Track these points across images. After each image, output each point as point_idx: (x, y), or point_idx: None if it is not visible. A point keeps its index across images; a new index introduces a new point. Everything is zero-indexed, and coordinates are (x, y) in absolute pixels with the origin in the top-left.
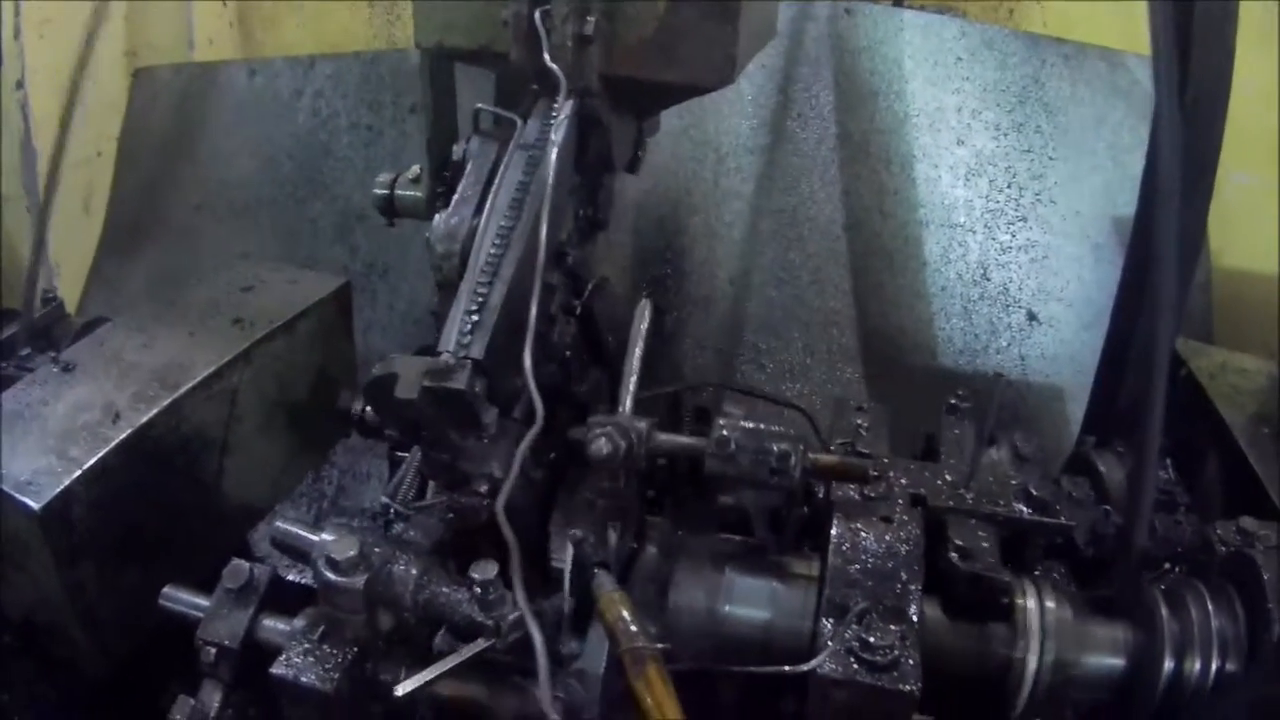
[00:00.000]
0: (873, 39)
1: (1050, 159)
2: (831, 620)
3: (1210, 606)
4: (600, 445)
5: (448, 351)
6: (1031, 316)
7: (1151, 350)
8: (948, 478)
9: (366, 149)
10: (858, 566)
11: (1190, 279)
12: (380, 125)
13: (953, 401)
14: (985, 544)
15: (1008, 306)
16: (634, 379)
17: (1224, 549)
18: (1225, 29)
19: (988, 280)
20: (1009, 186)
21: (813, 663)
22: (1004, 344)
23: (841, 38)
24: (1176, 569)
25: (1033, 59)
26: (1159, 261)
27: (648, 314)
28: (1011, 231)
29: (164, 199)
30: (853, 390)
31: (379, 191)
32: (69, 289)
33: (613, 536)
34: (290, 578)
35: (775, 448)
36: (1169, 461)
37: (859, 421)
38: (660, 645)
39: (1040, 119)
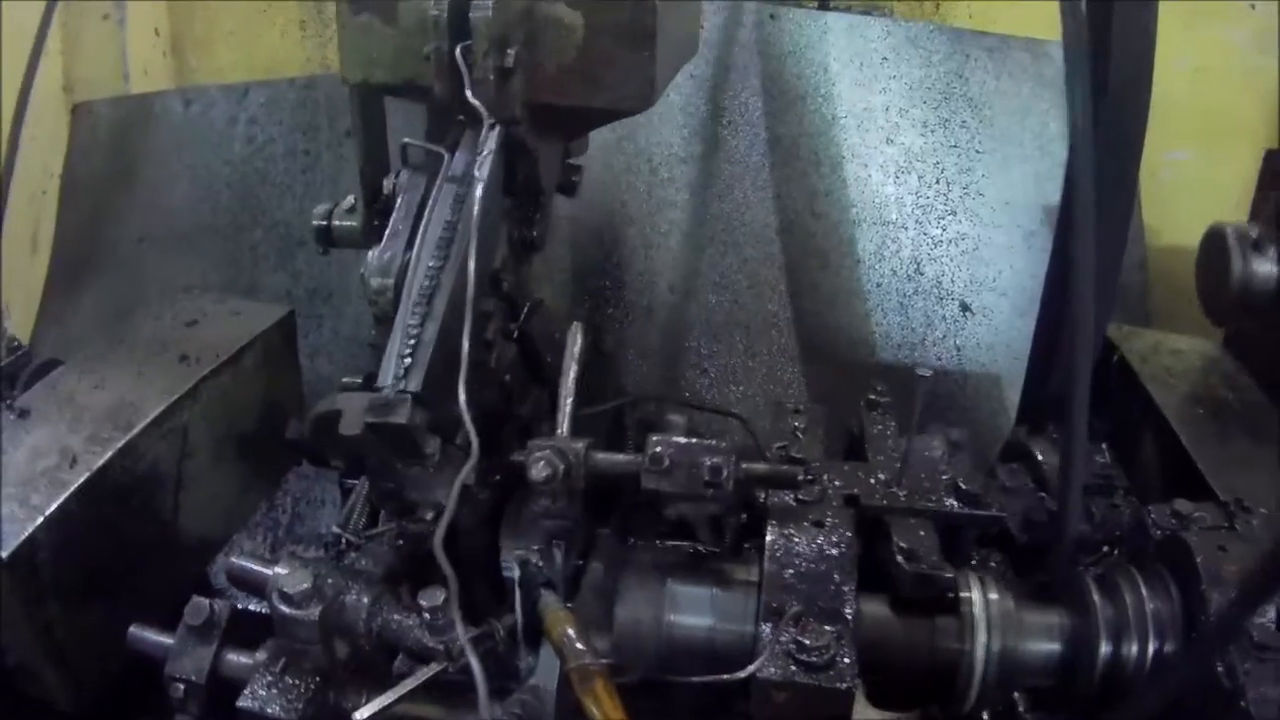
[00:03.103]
0: (798, 43)
1: (977, 152)
2: (769, 624)
3: (1144, 590)
4: (540, 468)
5: (386, 385)
6: (965, 307)
7: (1073, 339)
8: (880, 476)
9: (304, 174)
10: (792, 571)
11: (1118, 264)
12: (316, 150)
13: (871, 397)
14: (927, 543)
15: (942, 299)
16: (570, 400)
17: (1159, 532)
18: (1145, 10)
19: (921, 274)
20: (938, 182)
21: (750, 669)
22: (940, 335)
23: (768, 43)
24: (1116, 552)
25: (957, 54)
26: (1078, 247)
27: (579, 337)
28: (942, 226)
29: (108, 233)
30: (794, 390)
31: (316, 223)
32: (19, 327)
33: (558, 555)
34: (251, 607)
35: (708, 461)
36: (1105, 445)
37: (795, 424)
38: (605, 660)
39: (966, 114)
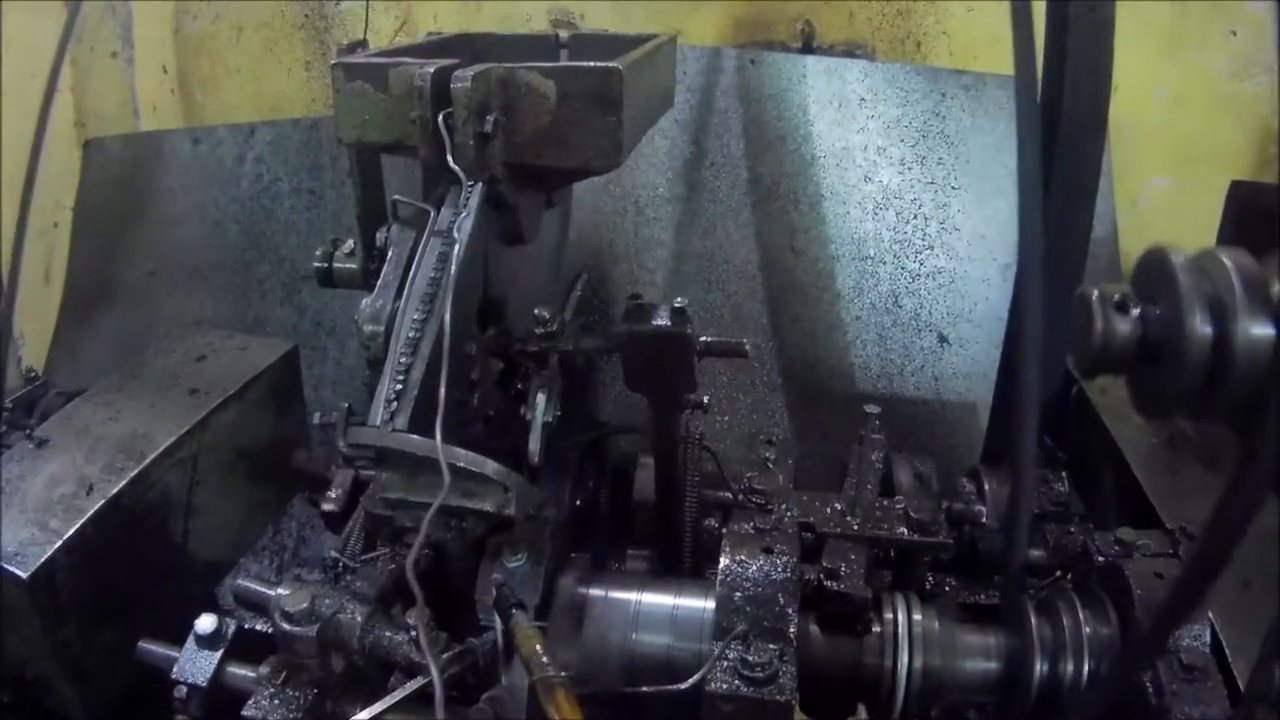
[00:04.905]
0: (778, 86)
1: (953, 188)
2: (720, 642)
3: (1081, 613)
4: (539, 312)
5: (375, 424)
6: (942, 338)
7: (1021, 371)
8: (837, 506)
9: (308, 212)
10: (740, 594)
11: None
12: (321, 189)
13: (862, 434)
14: (854, 565)
15: (919, 330)
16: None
17: (1101, 559)
18: (1100, 48)
19: (899, 307)
20: (915, 218)
21: (692, 680)
22: (918, 366)
23: (749, 87)
24: (1069, 576)
25: (933, 93)
26: (1027, 279)
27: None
28: (920, 260)
29: (119, 266)
30: (777, 420)
31: (318, 264)
32: (34, 357)
33: (542, 399)
34: (257, 627)
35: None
36: (1065, 474)
37: (766, 455)
38: (565, 673)
39: (942, 151)
